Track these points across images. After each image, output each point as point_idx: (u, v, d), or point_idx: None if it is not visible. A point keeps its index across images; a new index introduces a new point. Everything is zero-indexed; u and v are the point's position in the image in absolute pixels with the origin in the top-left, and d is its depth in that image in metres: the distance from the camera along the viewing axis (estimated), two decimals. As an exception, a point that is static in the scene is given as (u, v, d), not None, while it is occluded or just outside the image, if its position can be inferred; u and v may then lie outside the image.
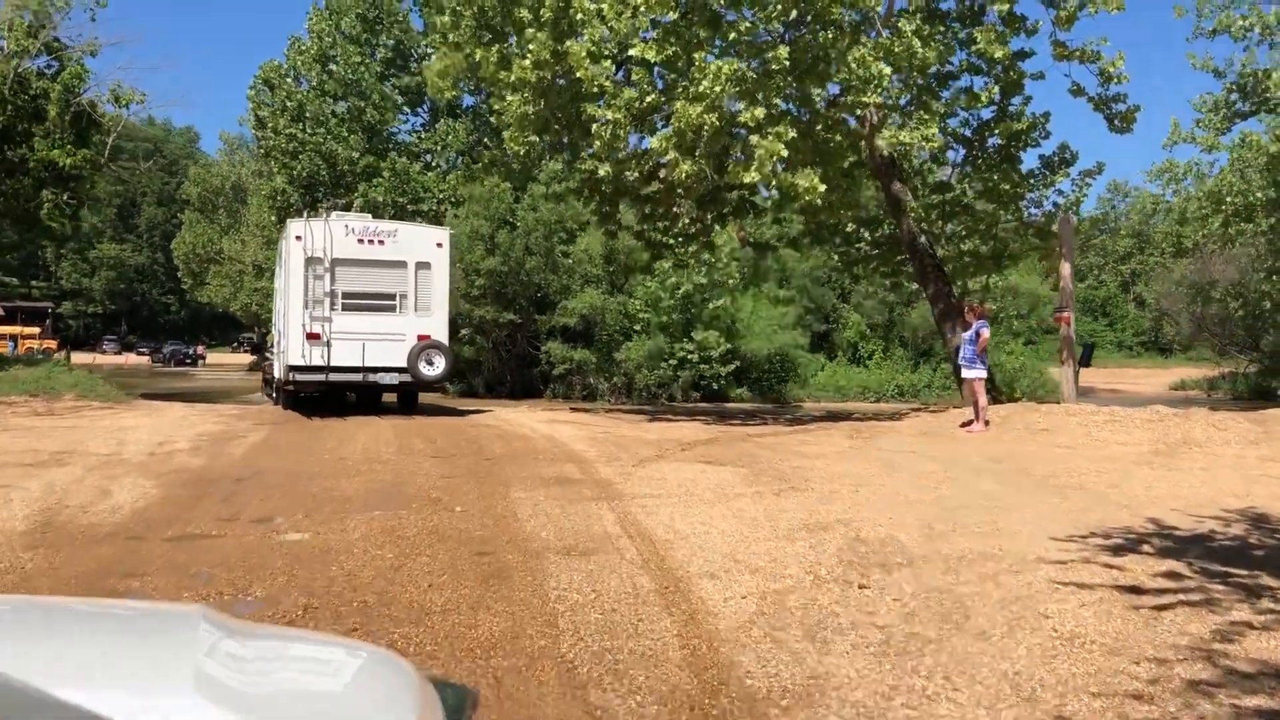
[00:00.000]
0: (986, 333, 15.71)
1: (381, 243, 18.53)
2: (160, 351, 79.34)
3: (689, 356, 32.09)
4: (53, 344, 79.27)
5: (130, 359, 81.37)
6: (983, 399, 15.62)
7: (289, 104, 33.55)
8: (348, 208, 34.33)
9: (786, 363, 34.52)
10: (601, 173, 17.83)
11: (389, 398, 20.38)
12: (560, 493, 9.53)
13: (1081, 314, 61.71)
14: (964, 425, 15.84)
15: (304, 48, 34.72)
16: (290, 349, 18.38)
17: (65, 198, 23.69)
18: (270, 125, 33.82)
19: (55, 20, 24.74)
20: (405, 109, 38.44)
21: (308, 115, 33.53)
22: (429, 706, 1.49)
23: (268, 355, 26.79)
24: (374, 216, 31.91)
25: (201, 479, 10.37)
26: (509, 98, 17.93)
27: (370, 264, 18.31)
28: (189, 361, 74.11)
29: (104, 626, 1.79)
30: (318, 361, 18.14)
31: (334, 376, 18.37)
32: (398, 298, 18.48)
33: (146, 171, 31.87)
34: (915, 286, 38.75)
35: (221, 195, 58.36)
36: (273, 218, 36.62)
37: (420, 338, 18.44)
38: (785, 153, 14.93)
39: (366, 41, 35.30)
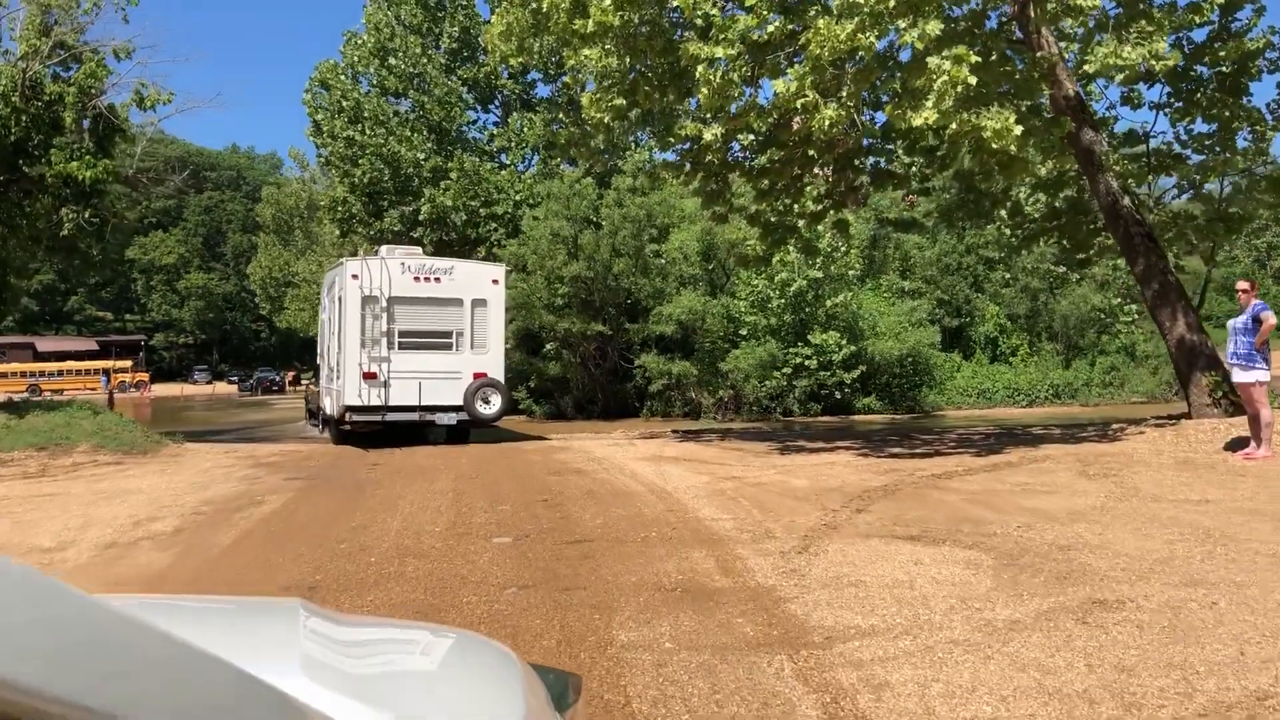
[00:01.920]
0: (1272, 318, 11.07)
1: (438, 280, 18.27)
2: (247, 381, 78.05)
3: (806, 363, 27.78)
4: (145, 376, 79.28)
5: (219, 389, 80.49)
6: (1266, 411, 11.03)
7: (345, 104, 30.33)
8: (415, 215, 31.01)
9: (920, 365, 29.92)
10: (708, 136, 13.76)
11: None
12: (698, 627, 5.49)
13: None
14: (1238, 450, 11.31)
15: (361, 42, 31.48)
16: (347, 388, 17.98)
17: (87, 216, 20.56)
18: (327, 130, 30.66)
19: (82, 22, 21.82)
20: (475, 106, 34.98)
21: (366, 116, 30.24)
22: (533, 688, 1.52)
23: (312, 385, 25.70)
24: (442, 224, 28.68)
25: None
26: (585, 53, 14.03)
27: (427, 302, 18.16)
28: (276, 389, 72.36)
29: (212, 618, 1.84)
30: (375, 401, 17.92)
31: (391, 416, 18.10)
32: (454, 335, 18.32)
33: (181, 185, 28.76)
34: (1062, 269, 33.76)
35: (296, 215, 56.00)
36: (336, 232, 33.53)
37: (476, 375, 18.17)
38: (973, 79, 10.64)
39: (428, 31, 31.91)
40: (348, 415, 18.10)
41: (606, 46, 13.69)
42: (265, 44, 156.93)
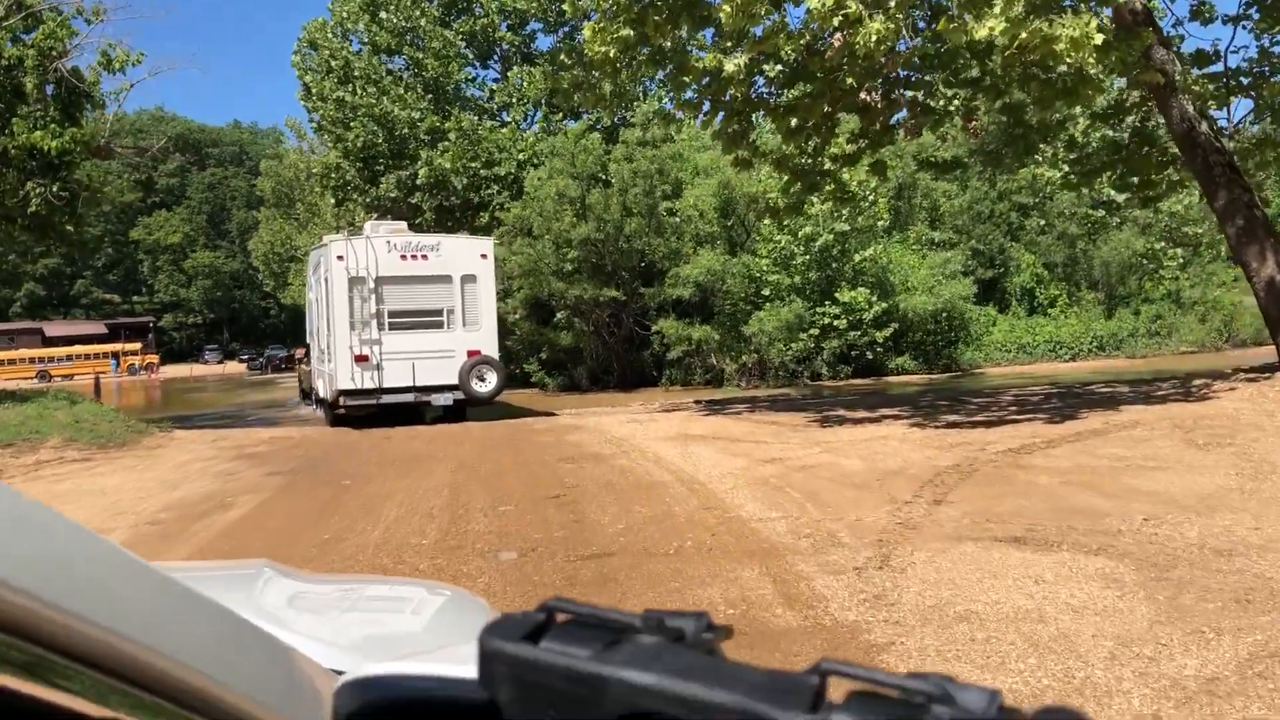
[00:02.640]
0: None
1: (425, 257, 17.82)
2: (257, 359, 76.75)
3: (834, 323, 26.07)
4: (154, 358, 78.27)
5: (229, 368, 79.41)
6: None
7: (334, 64, 28.51)
8: (413, 179, 29.30)
9: (954, 320, 28.14)
10: (729, 68, 12.04)
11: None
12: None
13: None
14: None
15: (349, -5, 29.61)
16: (339, 372, 17.55)
17: (55, 189, 18.98)
18: (316, 92, 28.87)
19: None
20: (474, 63, 33.05)
21: (356, 75, 28.42)
22: None
23: (304, 365, 24.99)
24: (442, 188, 27.21)
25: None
26: (586, -24, 12.31)
27: (415, 280, 17.65)
28: (287, 367, 71.04)
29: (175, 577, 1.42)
30: (368, 384, 17.48)
31: (386, 398, 17.59)
32: (445, 313, 17.92)
33: (160, 154, 27.08)
34: (1101, 213, 31.84)
35: (296, 187, 54.25)
36: (331, 201, 31.84)
37: (470, 353, 17.77)
38: (1046, -20, 8.89)
39: (421, -19, 30.00)
40: (342, 400, 17.68)
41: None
42: (264, 14, 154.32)
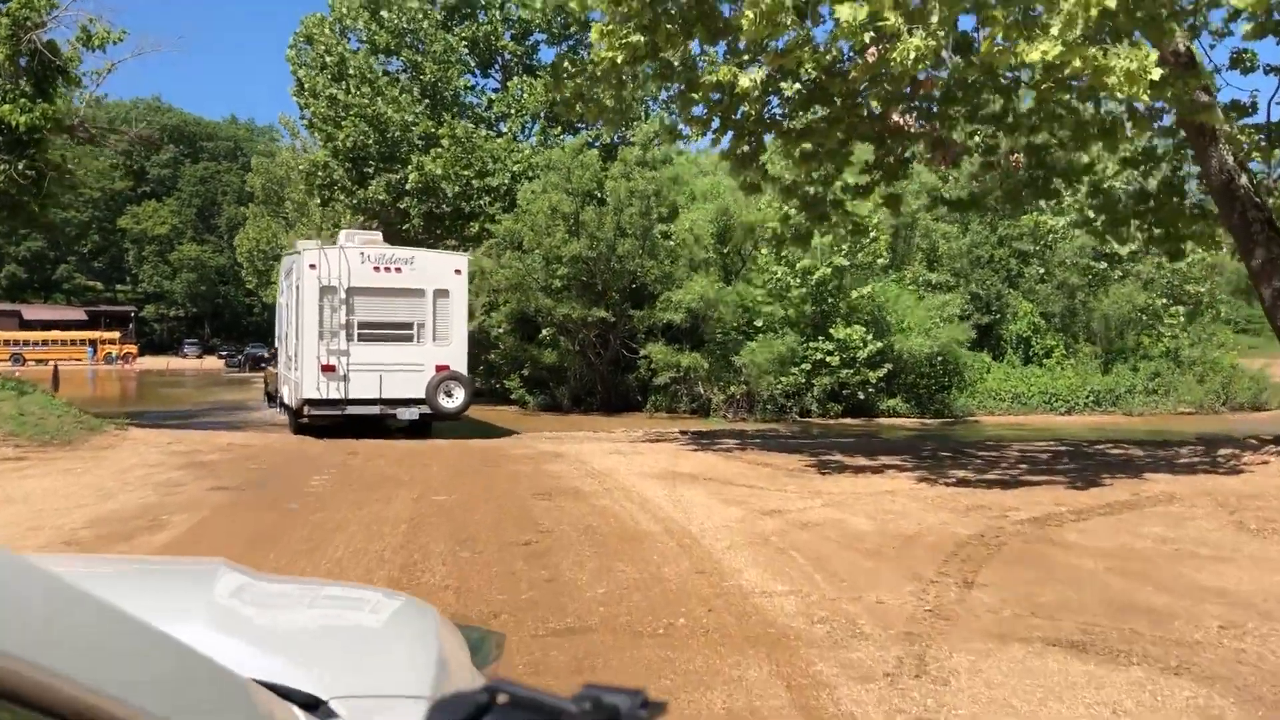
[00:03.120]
0: None
1: (399, 270, 17.76)
2: (236, 356, 75.35)
3: (828, 359, 25.15)
4: (133, 349, 76.89)
5: (207, 363, 78.13)
6: None
7: (328, 60, 27.49)
8: (402, 184, 28.28)
9: (949, 365, 27.27)
10: (745, 83, 11.12)
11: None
12: None
13: None
14: None
15: (350, -10, 28.63)
16: (305, 381, 17.35)
17: (21, 167, 17.87)
18: (309, 88, 27.83)
19: None
20: (474, 70, 32.12)
21: (351, 73, 27.40)
22: (452, 642, 1.62)
23: (271, 368, 24.97)
24: (432, 195, 26.72)
25: None
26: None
27: (388, 292, 17.63)
28: (264, 366, 69.73)
29: (130, 580, 1.86)
30: (334, 395, 17.29)
31: (351, 409, 17.37)
32: (415, 327, 17.84)
33: (138, 139, 25.93)
34: (1103, 264, 31.15)
35: (286, 185, 53.12)
36: (315, 200, 30.74)
37: (439, 368, 17.67)
38: (1111, 1, 8.01)
39: (425, -19, 29.06)
40: (306, 409, 17.52)
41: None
42: (268, 8, 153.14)
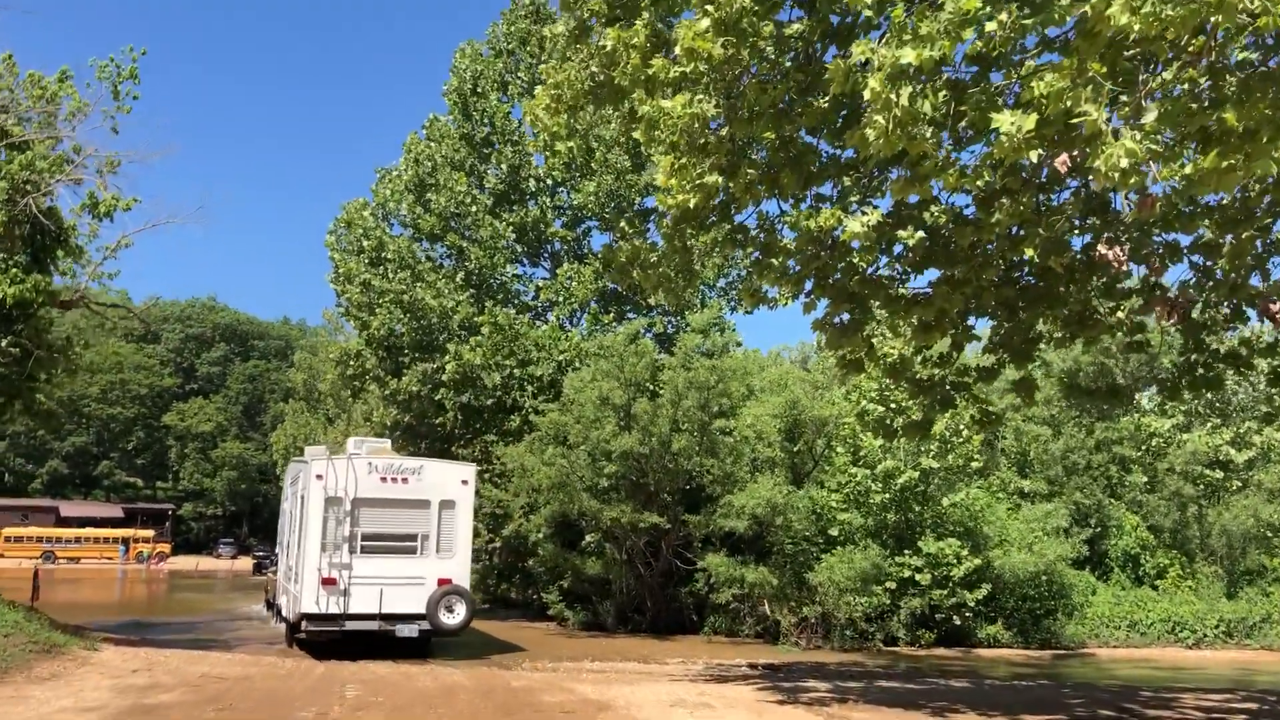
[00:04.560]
0: None
1: (405, 481, 17.83)
2: (267, 556, 72.56)
3: (917, 577, 21.73)
4: (166, 547, 74.81)
5: (240, 563, 75.72)
6: None
7: (366, 243, 26.10)
8: (439, 374, 26.17)
9: (1054, 586, 23.61)
10: (854, 228, 8.68)
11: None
12: None
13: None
14: None
15: (396, 175, 27.53)
16: (304, 594, 17.03)
17: (5, 343, 15.86)
18: (343, 273, 26.37)
19: (62, 130, 17.99)
20: (523, 259, 30.61)
21: (388, 257, 25.89)
22: None
23: (273, 575, 24.08)
24: (469, 386, 25.19)
25: None
26: (668, 104, 9.20)
27: (393, 504, 17.64)
28: (263, 570, 67.15)
29: None
30: (333, 609, 16.92)
31: (350, 625, 16.96)
32: (419, 539, 17.72)
33: (135, 317, 24.24)
34: (1220, 474, 27.80)
35: (320, 378, 51.95)
36: (346, 393, 28.75)
37: (441, 581, 17.42)
38: None
39: (473, 169, 27.92)
40: (304, 624, 17.04)
41: (698, 84, 8.89)
42: (320, 212, 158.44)
